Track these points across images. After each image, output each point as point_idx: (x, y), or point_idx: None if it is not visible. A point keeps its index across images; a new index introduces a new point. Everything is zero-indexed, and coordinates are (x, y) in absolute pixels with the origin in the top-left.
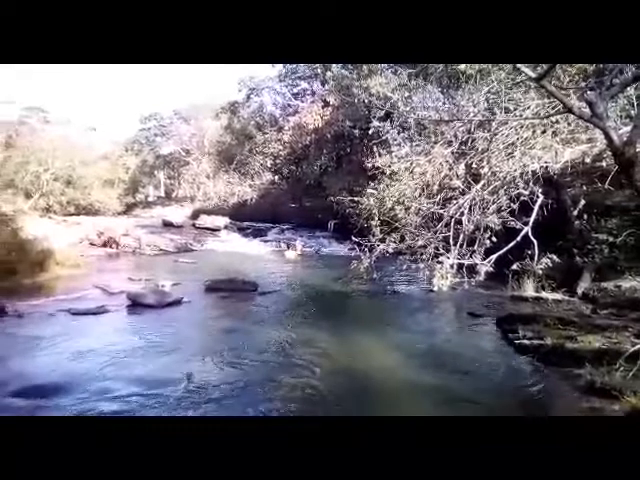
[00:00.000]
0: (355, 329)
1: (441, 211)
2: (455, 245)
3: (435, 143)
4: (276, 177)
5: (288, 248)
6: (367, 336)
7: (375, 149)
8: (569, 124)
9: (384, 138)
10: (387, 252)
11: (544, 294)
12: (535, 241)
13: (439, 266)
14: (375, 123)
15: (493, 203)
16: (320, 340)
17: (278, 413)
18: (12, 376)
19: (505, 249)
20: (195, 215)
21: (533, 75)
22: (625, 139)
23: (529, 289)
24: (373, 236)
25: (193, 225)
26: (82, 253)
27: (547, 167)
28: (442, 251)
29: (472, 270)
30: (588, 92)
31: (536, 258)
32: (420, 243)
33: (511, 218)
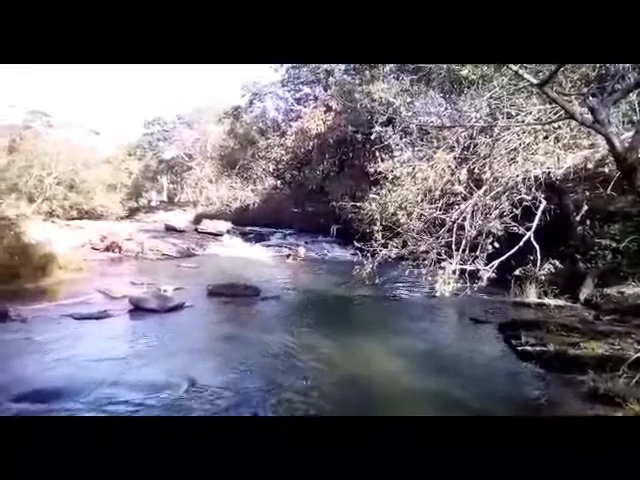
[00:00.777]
0: (357, 334)
1: (443, 216)
2: (457, 250)
3: (437, 148)
4: (278, 182)
5: (288, 257)
6: (369, 341)
7: (377, 154)
8: (571, 130)
9: (386, 143)
10: (389, 257)
11: (547, 300)
12: (537, 247)
13: (441, 272)
14: (377, 128)
15: (495, 208)
16: (322, 345)
17: (278, 416)
18: (14, 380)
19: (507, 255)
20: (198, 220)
21: (535, 81)
22: (627, 145)
23: (532, 295)
24: (375, 241)
25: (195, 230)
26: (85, 257)
27: (549, 172)
28: (444, 256)
29: (474, 276)
30: (590, 98)
31: (538, 264)
32: (422, 248)
33: (513, 223)
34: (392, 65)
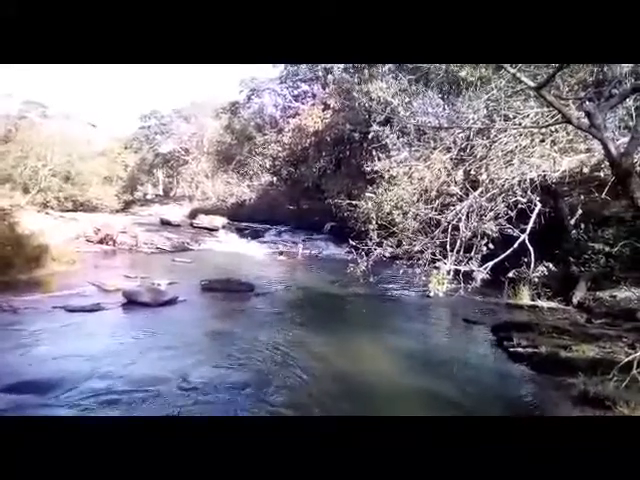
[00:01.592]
0: (350, 332)
1: (439, 217)
2: (452, 251)
3: (434, 149)
4: (275, 178)
5: (281, 254)
6: (362, 340)
7: (374, 153)
8: (568, 133)
9: (383, 142)
10: (384, 256)
11: (539, 302)
12: (532, 249)
13: (436, 272)
14: (375, 127)
15: (491, 210)
16: (314, 343)
17: (270, 414)
18: (3, 371)
19: (502, 256)
20: (193, 214)
21: (532, 84)
22: (622, 150)
23: (525, 297)
24: (370, 240)
25: (191, 224)
26: (78, 249)
27: (545, 176)
28: (439, 257)
29: (468, 277)
30: (587, 103)
31: (532, 266)
32: (417, 248)
33: (508, 225)
34: (391, 65)
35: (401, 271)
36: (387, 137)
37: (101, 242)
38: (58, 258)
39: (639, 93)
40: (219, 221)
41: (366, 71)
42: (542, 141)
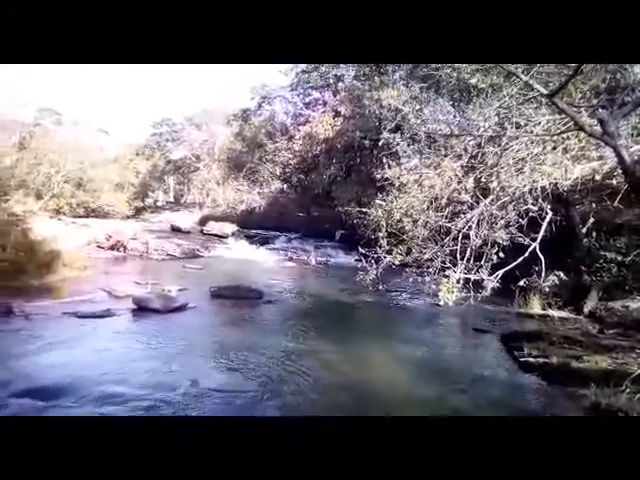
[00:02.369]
0: (359, 340)
1: (449, 225)
2: (462, 259)
3: (445, 156)
4: (285, 186)
5: (290, 260)
6: (371, 348)
7: (385, 160)
8: (580, 141)
9: (394, 150)
10: (394, 264)
11: (550, 312)
12: (542, 258)
13: (445, 280)
14: (385, 135)
15: (501, 218)
16: (324, 350)
17: None
18: (16, 376)
19: (512, 265)
20: (203, 221)
21: (545, 91)
22: (636, 158)
23: (535, 306)
24: (380, 248)
25: (201, 231)
26: (89, 255)
27: (557, 183)
28: (449, 265)
29: (478, 285)
30: (600, 110)
31: (543, 275)
32: (427, 256)
33: (519, 234)
34: (402, 72)
35: (411, 279)
36: (397, 144)
37: (112, 248)
38: (69, 264)
39: None
40: (229, 228)
41: (377, 78)
42: (554, 149)
